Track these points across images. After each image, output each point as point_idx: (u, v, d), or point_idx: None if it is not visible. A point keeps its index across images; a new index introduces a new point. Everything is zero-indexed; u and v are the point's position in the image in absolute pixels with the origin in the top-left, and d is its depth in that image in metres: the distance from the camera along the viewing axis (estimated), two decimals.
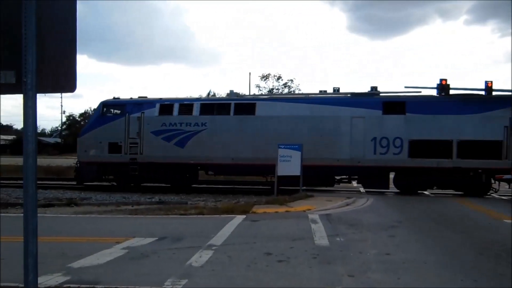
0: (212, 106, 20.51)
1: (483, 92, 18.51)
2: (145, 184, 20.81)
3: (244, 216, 12.83)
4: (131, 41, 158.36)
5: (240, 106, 19.88)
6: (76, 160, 21.73)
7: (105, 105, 21.50)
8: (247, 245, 9.30)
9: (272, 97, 19.73)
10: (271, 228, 11.29)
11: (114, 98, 22.01)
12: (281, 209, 14.31)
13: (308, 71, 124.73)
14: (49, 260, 7.46)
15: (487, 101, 18.13)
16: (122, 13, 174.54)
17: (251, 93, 35.47)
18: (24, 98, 2.88)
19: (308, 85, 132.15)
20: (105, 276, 6.93)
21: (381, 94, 19.78)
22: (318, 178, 19.28)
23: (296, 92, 40.97)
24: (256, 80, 59.95)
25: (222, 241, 9.54)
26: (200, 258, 8.04)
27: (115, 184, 21.27)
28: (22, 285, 5.89)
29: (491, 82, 18.22)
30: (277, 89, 42.02)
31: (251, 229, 11.15)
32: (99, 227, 11.74)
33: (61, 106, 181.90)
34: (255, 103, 19.63)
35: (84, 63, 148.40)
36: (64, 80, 3.12)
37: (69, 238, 9.88)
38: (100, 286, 6.30)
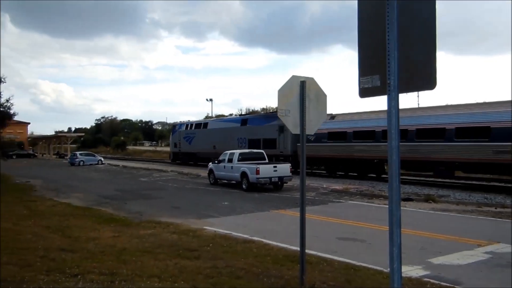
0: (197, 125, 41.90)
1: None
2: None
3: None
4: (490, 31, 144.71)
5: (204, 124, 41.48)
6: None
7: (173, 125, 51.38)
8: None
9: (206, 120, 46.13)
10: None
11: (176, 122, 49.78)
12: None
13: None
14: (410, 252, 7.79)
15: (272, 115, 31.85)
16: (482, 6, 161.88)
17: None
18: (388, 99, 3.16)
19: None
20: (466, 278, 6.64)
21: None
22: None
23: None
24: None
25: None
26: None
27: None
28: (386, 270, 6.45)
29: None
30: None
31: None
32: (458, 226, 11.34)
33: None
34: (208, 122, 42.22)
35: (441, 60, 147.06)
36: (423, 79, 3.19)
37: (428, 233, 10.00)
38: (461, 287, 6.08)
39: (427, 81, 3.17)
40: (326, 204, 15.76)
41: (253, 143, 31.42)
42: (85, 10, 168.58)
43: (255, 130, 32.40)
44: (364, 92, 3.50)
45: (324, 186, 20.60)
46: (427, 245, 8.82)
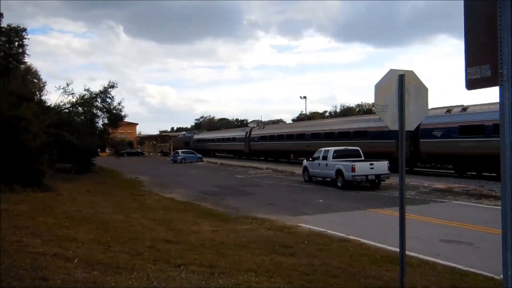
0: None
1: None
2: None
3: None
4: None
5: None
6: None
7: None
8: None
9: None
10: None
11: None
12: None
13: None
14: None
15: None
16: None
17: None
18: (500, 90, 2.86)
19: None
20: None
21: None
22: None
23: None
24: None
25: None
26: None
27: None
28: (498, 277, 5.90)
29: None
30: None
31: None
32: None
33: None
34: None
35: None
36: None
37: None
38: None
39: None
40: (428, 203, 14.88)
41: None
42: (187, 16, 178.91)
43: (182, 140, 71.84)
44: (472, 83, 3.22)
45: (425, 184, 19.44)
46: None
